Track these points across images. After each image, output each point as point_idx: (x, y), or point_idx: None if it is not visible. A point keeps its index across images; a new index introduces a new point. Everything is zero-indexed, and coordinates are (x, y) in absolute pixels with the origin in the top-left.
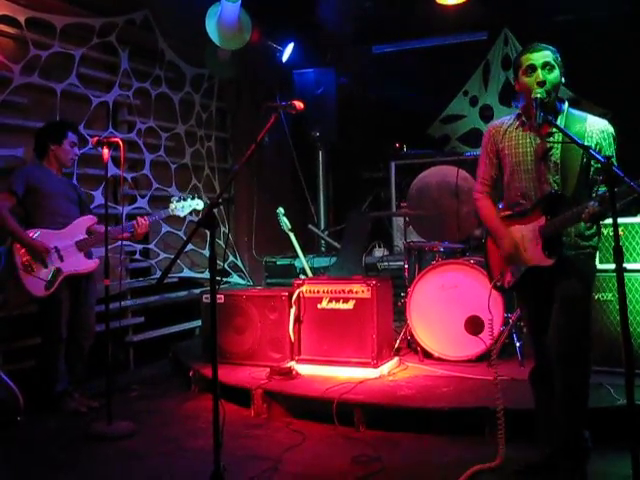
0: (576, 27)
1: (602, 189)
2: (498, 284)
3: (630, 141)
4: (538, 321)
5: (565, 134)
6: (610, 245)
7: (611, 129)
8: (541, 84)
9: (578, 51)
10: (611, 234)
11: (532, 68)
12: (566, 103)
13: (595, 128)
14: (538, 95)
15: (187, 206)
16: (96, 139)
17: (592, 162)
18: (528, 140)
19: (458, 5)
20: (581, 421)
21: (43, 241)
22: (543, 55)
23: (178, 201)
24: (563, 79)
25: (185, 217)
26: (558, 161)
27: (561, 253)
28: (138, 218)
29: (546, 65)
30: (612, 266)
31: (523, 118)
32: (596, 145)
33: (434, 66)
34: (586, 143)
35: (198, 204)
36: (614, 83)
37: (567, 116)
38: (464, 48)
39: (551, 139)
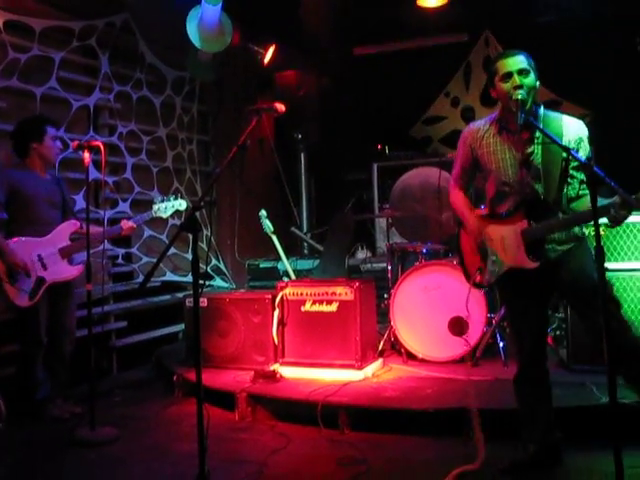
0: (557, 29)
1: (583, 192)
2: (477, 281)
3: (610, 141)
4: (525, 318)
5: (547, 135)
6: (592, 245)
7: (586, 129)
8: (519, 87)
9: (559, 52)
10: (593, 234)
11: (508, 75)
12: (542, 107)
13: (572, 130)
14: (519, 96)
15: (170, 207)
16: (77, 143)
17: (570, 164)
18: (506, 146)
19: (439, 7)
20: None
21: (23, 252)
22: (518, 60)
23: (161, 202)
24: (538, 83)
25: (167, 221)
26: (539, 166)
27: (546, 256)
28: (123, 221)
29: (522, 71)
30: None
31: (502, 124)
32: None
33: (416, 67)
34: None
35: (181, 204)
36: (595, 84)
37: (544, 119)
38: (445, 50)
39: (534, 142)
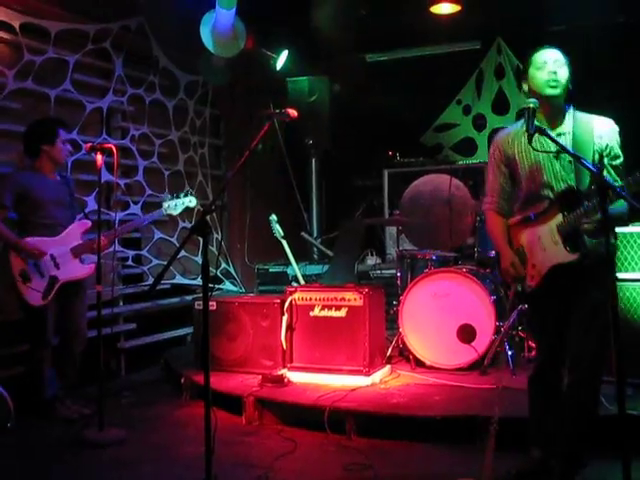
0: (569, 37)
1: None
2: (519, 289)
3: (625, 149)
4: (553, 322)
5: (556, 143)
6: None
7: (616, 127)
8: (552, 74)
9: (571, 60)
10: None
11: (544, 62)
12: (572, 107)
13: (603, 128)
14: (531, 105)
15: (180, 204)
16: (89, 145)
17: (604, 159)
18: (540, 143)
19: (451, 15)
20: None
21: (38, 246)
22: (555, 52)
23: (171, 199)
24: (570, 85)
25: (177, 223)
26: (571, 160)
27: (584, 247)
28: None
29: (558, 61)
30: None
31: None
32: (606, 147)
33: (428, 74)
34: (595, 144)
35: (191, 201)
36: (606, 93)
37: (574, 118)
38: (458, 57)
39: (563, 137)
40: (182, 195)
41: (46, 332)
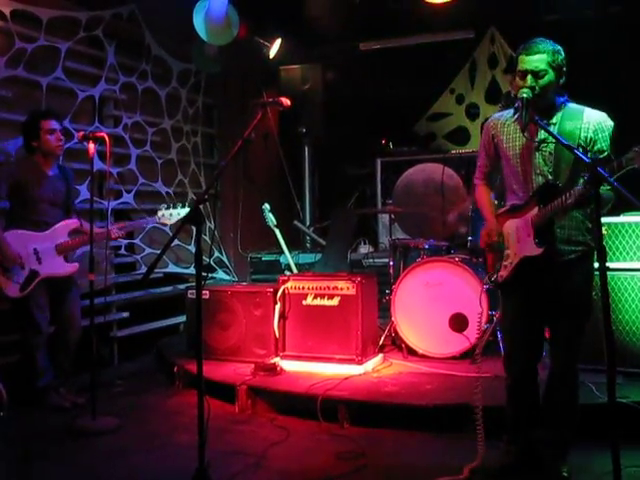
0: (563, 27)
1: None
2: (492, 279)
3: (618, 138)
4: (522, 321)
5: (550, 133)
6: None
7: (609, 122)
8: (528, 88)
9: (565, 50)
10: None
11: (523, 73)
12: (565, 97)
13: (592, 120)
14: (524, 95)
15: (175, 214)
16: (82, 134)
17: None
18: (520, 134)
19: (445, 3)
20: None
21: (19, 244)
22: (536, 60)
23: (167, 209)
24: (563, 78)
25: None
26: (552, 152)
27: (552, 243)
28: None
29: (537, 72)
30: (595, 265)
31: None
32: (591, 140)
33: (421, 63)
34: (582, 136)
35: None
36: (601, 82)
37: (564, 110)
38: (451, 46)
39: (537, 138)
40: (179, 206)
41: (34, 321)
